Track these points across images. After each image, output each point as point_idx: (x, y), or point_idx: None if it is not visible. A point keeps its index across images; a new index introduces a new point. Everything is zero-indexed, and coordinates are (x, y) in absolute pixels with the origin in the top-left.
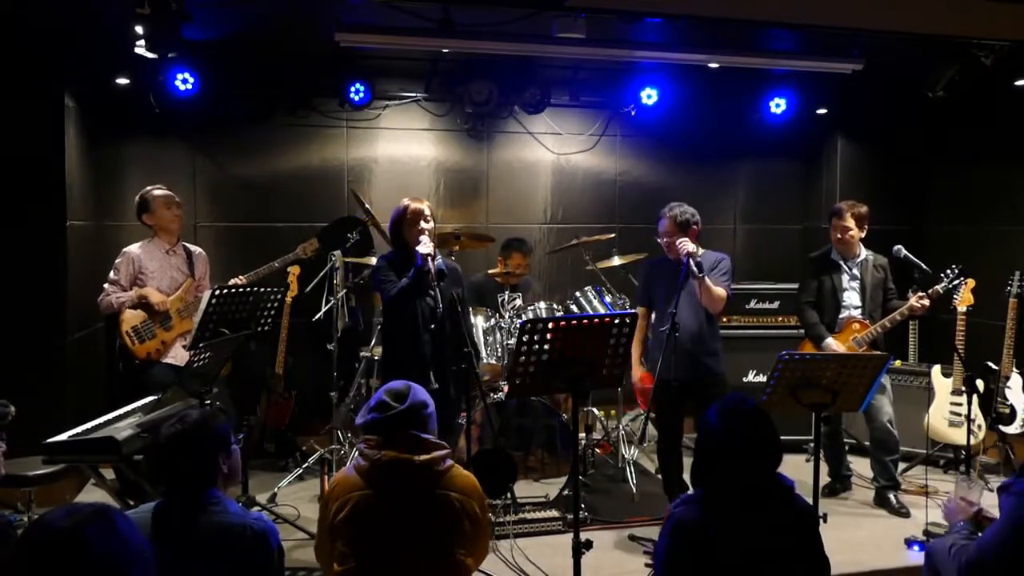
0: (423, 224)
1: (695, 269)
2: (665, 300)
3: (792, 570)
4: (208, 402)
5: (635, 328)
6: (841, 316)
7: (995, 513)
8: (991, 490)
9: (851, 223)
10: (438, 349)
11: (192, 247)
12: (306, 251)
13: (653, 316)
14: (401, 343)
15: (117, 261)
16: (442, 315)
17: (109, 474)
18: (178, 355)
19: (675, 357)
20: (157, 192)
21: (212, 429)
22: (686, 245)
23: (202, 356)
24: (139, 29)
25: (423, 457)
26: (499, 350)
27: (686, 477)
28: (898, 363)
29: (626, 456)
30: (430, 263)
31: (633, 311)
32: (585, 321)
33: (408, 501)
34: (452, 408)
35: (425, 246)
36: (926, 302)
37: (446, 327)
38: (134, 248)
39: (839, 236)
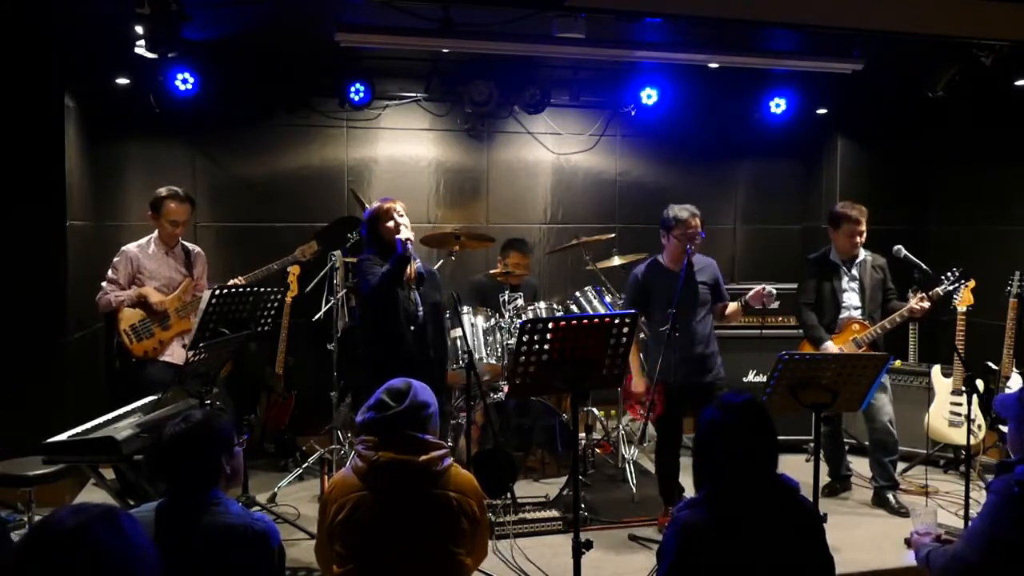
0: (397, 218)
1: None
2: (666, 304)
3: (798, 570)
4: (208, 402)
5: (635, 328)
6: (841, 317)
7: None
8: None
9: (865, 225)
10: (420, 351)
11: (191, 246)
12: (305, 253)
13: (643, 321)
14: (384, 342)
15: (115, 260)
16: (423, 318)
17: (109, 474)
18: (175, 353)
19: (681, 360)
20: (173, 204)
21: (215, 429)
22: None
23: (201, 356)
24: (139, 29)
25: (421, 458)
26: (499, 350)
27: (684, 481)
28: (898, 363)
29: (626, 456)
30: (410, 248)
31: (633, 311)
32: (585, 321)
33: (406, 501)
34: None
35: (404, 232)
36: (926, 304)
37: (428, 331)
38: (132, 247)
39: (857, 240)
